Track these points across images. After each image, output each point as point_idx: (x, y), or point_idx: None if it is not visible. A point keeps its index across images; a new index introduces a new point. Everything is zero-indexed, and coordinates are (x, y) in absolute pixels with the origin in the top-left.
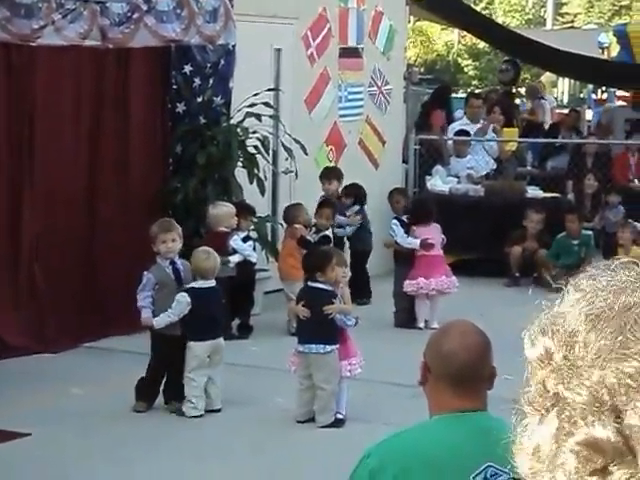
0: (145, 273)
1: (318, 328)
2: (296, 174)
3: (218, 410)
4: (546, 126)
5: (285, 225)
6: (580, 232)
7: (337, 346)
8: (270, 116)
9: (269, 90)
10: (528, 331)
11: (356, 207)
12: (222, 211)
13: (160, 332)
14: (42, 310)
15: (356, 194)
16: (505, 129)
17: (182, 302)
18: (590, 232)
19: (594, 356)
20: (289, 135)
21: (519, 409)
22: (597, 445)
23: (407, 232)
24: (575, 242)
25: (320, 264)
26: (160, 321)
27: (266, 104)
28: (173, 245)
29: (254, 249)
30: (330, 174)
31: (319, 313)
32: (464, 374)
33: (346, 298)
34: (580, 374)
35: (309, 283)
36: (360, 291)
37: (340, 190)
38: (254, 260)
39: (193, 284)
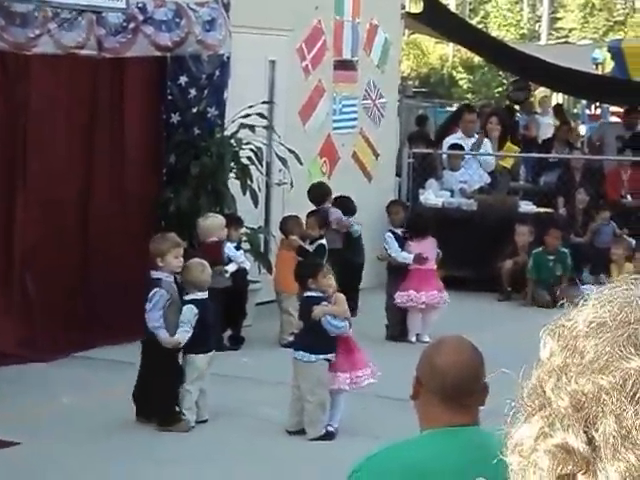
0: (157, 290)
1: (307, 336)
2: (291, 184)
3: (205, 421)
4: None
5: (281, 236)
6: (557, 248)
7: (328, 356)
8: (264, 127)
9: (264, 103)
10: (544, 331)
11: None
12: (213, 222)
13: (155, 343)
14: (33, 319)
15: (346, 206)
16: (508, 144)
17: (193, 314)
18: (566, 250)
19: (585, 363)
20: (283, 145)
21: (516, 402)
22: (568, 451)
23: (401, 245)
24: (550, 258)
25: (311, 272)
26: (182, 338)
27: (260, 115)
28: (181, 259)
29: (245, 258)
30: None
31: (309, 321)
32: (456, 389)
33: (339, 301)
34: (569, 379)
35: (303, 294)
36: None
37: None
38: (248, 266)
39: (192, 296)
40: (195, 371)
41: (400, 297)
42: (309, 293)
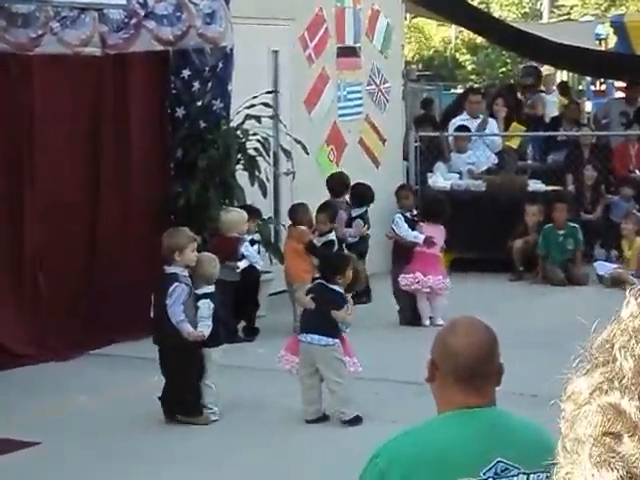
0: (177, 285)
1: (322, 323)
2: (293, 175)
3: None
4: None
5: (289, 224)
6: (566, 223)
7: (338, 341)
8: (270, 117)
9: (268, 92)
10: (630, 291)
11: (362, 209)
12: (235, 217)
13: (175, 338)
14: (47, 319)
15: (362, 195)
16: (514, 124)
17: (210, 308)
18: (576, 225)
19: None
20: (289, 135)
21: (584, 351)
22: (620, 412)
23: (411, 228)
24: (560, 232)
25: (341, 267)
26: (206, 332)
27: (265, 104)
28: (196, 253)
29: (258, 252)
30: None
31: (326, 311)
32: (472, 370)
33: (350, 309)
34: (637, 341)
35: (324, 283)
36: (360, 292)
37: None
38: (260, 266)
39: (204, 290)
40: (213, 365)
41: (405, 279)
42: (334, 287)
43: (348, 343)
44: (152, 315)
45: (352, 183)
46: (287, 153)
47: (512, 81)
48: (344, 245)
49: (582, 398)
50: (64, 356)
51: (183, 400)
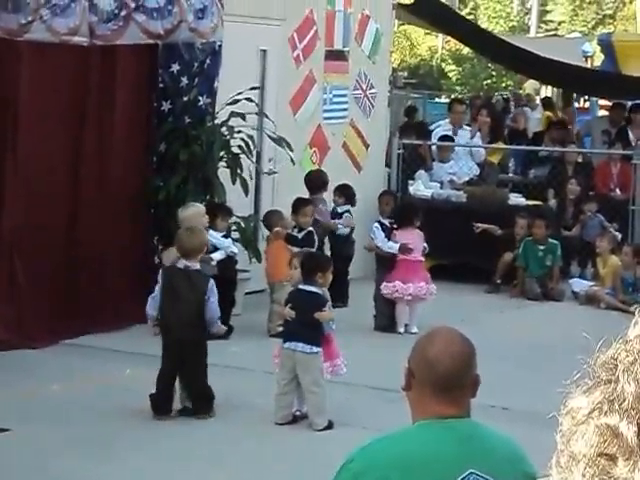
0: (212, 282)
1: (305, 330)
2: (270, 172)
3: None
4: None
5: (267, 231)
6: (547, 239)
7: (321, 350)
8: (256, 113)
9: (252, 89)
10: (638, 309)
11: (347, 206)
12: (189, 212)
13: (194, 339)
14: (22, 306)
15: (348, 195)
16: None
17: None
18: (556, 242)
19: None
20: (274, 134)
21: (588, 367)
22: (617, 435)
23: (388, 236)
24: (541, 248)
25: (322, 265)
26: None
27: (249, 100)
28: None
29: (234, 245)
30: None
31: (308, 316)
32: (448, 381)
33: (330, 304)
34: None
35: (301, 286)
36: (338, 295)
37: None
38: (235, 251)
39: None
40: None
41: (386, 288)
42: (309, 288)
43: (334, 344)
44: (167, 311)
45: (341, 184)
46: (278, 141)
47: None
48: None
49: (580, 415)
50: (38, 343)
51: (203, 395)
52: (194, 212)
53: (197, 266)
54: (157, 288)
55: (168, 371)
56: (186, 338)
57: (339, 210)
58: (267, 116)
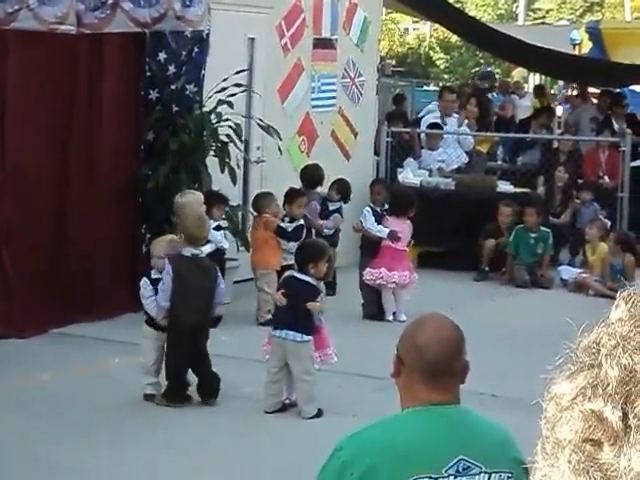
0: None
1: (297, 318)
2: (258, 161)
3: None
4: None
5: (255, 214)
6: (539, 227)
7: (312, 338)
8: (243, 91)
9: (238, 72)
10: (620, 293)
11: (339, 204)
12: (189, 199)
13: (202, 327)
14: (10, 295)
15: (343, 191)
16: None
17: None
18: (548, 230)
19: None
20: (261, 120)
21: (570, 352)
22: (601, 420)
23: (378, 221)
24: (532, 236)
25: (316, 256)
26: None
27: (237, 85)
28: None
29: (225, 237)
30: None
31: (300, 305)
32: (438, 367)
33: (323, 297)
34: (625, 351)
35: (295, 274)
36: (327, 284)
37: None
38: (226, 246)
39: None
40: None
41: (370, 274)
42: (303, 277)
43: (325, 333)
44: (178, 300)
45: (338, 179)
46: (266, 129)
47: (470, 82)
48: (317, 235)
49: (565, 401)
50: (27, 333)
51: (215, 379)
52: (193, 199)
53: (204, 253)
54: (166, 278)
55: (181, 360)
56: (198, 325)
57: (330, 207)
58: (256, 92)
